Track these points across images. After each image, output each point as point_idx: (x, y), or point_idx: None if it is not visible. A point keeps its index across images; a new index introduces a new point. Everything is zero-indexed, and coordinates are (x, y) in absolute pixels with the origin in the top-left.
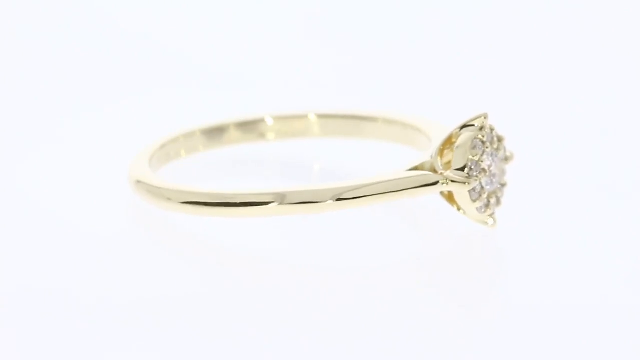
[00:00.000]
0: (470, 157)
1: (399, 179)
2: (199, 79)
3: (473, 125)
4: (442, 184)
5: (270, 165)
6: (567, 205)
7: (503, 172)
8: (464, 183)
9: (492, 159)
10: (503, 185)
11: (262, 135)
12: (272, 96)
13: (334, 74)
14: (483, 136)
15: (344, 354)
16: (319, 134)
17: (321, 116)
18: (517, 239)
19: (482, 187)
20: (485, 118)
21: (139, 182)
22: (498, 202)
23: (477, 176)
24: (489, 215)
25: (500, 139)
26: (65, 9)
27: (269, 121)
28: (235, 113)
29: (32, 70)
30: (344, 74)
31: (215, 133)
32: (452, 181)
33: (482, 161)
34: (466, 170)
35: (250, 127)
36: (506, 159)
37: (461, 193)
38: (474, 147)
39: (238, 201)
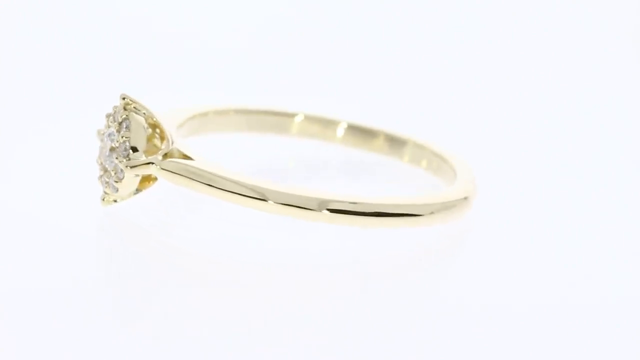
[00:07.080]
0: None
1: None
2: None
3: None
4: None
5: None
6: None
7: (113, 166)
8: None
9: (109, 138)
10: (111, 172)
11: (286, 130)
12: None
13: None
14: (115, 111)
15: (344, 353)
16: (341, 142)
17: (351, 126)
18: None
19: (100, 156)
20: (123, 99)
21: None
22: (106, 185)
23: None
24: (106, 192)
25: (123, 122)
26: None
27: (299, 118)
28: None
29: (31, 70)
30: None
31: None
32: None
33: (102, 132)
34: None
35: (281, 118)
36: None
37: None
38: (107, 116)
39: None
